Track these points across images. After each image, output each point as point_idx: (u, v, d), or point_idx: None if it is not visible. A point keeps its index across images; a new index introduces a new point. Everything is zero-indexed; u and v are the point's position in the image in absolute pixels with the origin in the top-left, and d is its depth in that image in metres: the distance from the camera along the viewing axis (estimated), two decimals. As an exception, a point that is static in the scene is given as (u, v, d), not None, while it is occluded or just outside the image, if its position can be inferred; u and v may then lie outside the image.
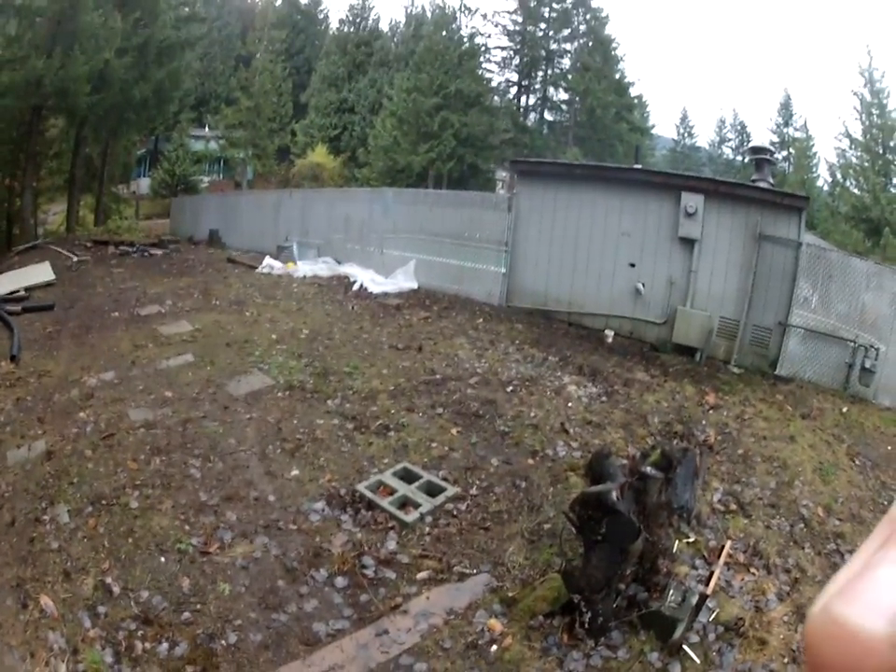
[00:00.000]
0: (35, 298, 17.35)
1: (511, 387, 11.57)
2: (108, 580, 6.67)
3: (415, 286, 18.57)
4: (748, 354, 13.29)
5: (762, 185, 14.86)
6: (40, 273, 19.58)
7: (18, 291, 17.64)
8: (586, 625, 5.67)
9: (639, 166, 18.92)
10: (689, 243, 13.61)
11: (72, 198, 32.98)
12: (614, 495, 5.59)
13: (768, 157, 17.29)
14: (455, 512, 7.93)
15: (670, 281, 13.97)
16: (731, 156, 58.26)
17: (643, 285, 14.31)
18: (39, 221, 33.54)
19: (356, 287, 18.99)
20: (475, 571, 6.87)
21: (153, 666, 5.68)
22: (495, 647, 5.85)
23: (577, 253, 15.35)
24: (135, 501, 8.01)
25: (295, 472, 8.81)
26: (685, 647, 5.66)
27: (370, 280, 19.06)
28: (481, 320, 15.66)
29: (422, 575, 6.83)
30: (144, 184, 50.44)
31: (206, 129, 54.78)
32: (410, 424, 10.14)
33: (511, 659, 5.69)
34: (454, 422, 10.26)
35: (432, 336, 14.38)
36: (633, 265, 14.47)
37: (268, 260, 22.03)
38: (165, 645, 5.89)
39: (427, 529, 7.60)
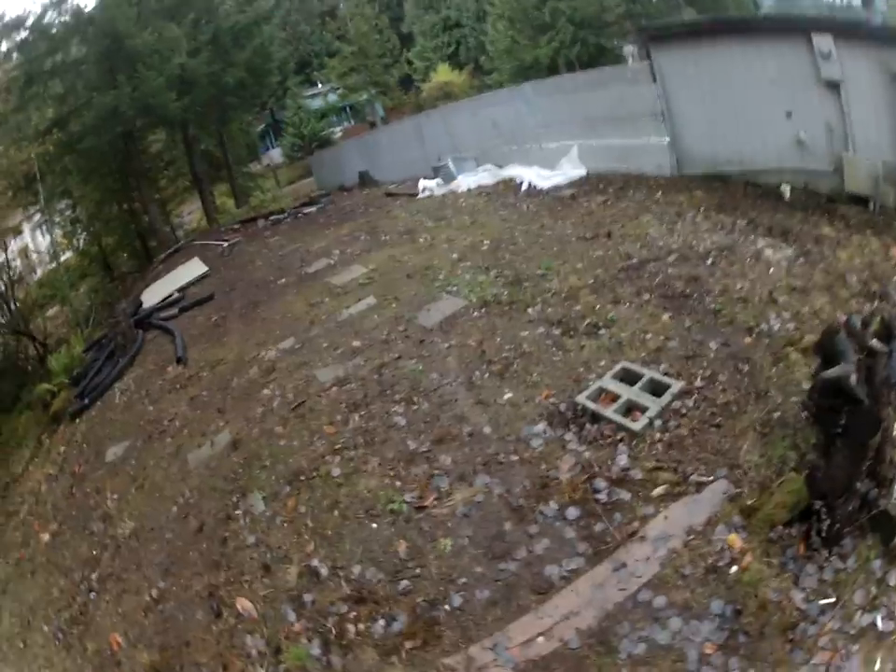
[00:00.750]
0: (191, 295, 17.49)
1: (710, 260, 10.68)
2: (314, 562, 6.51)
3: (584, 172, 17.70)
4: (914, 201, 12.37)
5: (873, 21, 14.09)
6: (191, 270, 19.82)
7: (171, 295, 17.88)
8: (823, 533, 5.26)
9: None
10: (834, 86, 12.64)
11: (203, 193, 34.21)
12: (853, 378, 5.00)
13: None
14: (683, 411, 7.23)
15: (828, 127, 12.95)
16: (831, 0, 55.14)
17: (804, 133, 13.34)
18: (176, 226, 35.54)
19: (524, 186, 18.23)
20: (711, 478, 6.25)
21: (366, 649, 5.49)
22: (734, 568, 5.35)
23: (734, 110, 14.47)
24: (337, 468, 7.75)
25: (508, 395, 8.21)
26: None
27: (536, 176, 18.25)
28: (659, 194, 14.65)
29: (658, 491, 6.26)
30: (276, 154, 53.79)
31: (319, 86, 57.22)
32: (618, 317, 9.37)
33: (749, 580, 5.20)
34: (662, 307, 9.45)
35: (617, 219, 13.42)
36: (789, 114, 13.55)
37: (424, 183, 21.72)
38: (381, 622, 5.68)
39: (658, 435, 6.94)
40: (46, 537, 9.22)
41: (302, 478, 7.76)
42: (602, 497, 6.31)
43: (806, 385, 6.68)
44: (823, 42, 12.37)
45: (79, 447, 11.39)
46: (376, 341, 10.66)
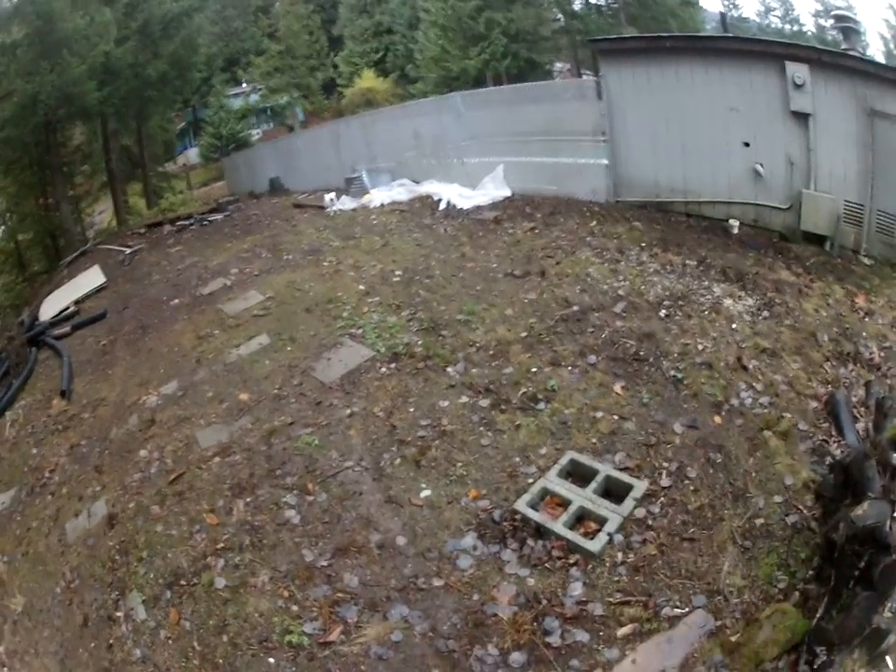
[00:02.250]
0: (86, 309, 15.67)
1: (663, 311, 9.31)
2: (208, 697, 5.24)
3: (508, 193, 16.02)
4: (875, 243, 11.66)
5: (855, 53, 13.05)
6: (89, 279, 18.02)
7: (67, 308, 16.03)
8: (815, 666, 4.47)
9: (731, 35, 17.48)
10: (802, 118, 11.84)
11: (115, 192, 32.68)
12: (888, 525, 4.44)
13: (853, 25, 15.06)
14: (649, 521, 5.92)
15: (789, 161, 12.16)
16: (779, 25, 57.43)
17: (761, 166, 12.52)
18: (88, 224, 33.63)
19: (442, 205, 16.59)
20: (686, 609, 5.11)
21: None
22: (717, 719, 4.52)
23: (684, 135, 13.49)
24: (221, 577, 6.12)
25: (426, 493, 6.60)
26: (888, 658, 4.31)
27: (457, 195, 16.64)
28: (594, 223, 13.21)
29: (623, 631, 5.02)
30: (193, 154, 51.51)
31: (243, 85, 55.27)
32: (560, 386, 7.83)
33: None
34: (613, 373, 8.02)
35: (550, 253, 11.81)
36: (747, 144, 12.69)
37: (329, 197, 20.27)
38: None
39: (620, 556, 5.61)
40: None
41: (183, 583, 6.19)
42: (554, 639, 5.01)
43: (789, 481, 6.00)
44: (798, 71, 11.60)
45: (-29, 483, 9.82)
46: (267, 395, 8.95)
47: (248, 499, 7.01)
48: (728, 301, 9.48)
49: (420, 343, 9.37)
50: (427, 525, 6.18)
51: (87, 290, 16.96)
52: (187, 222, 23.26)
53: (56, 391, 11.26)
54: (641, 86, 13.67)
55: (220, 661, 5.34)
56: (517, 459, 6.78)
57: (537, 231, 13.17)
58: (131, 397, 10.12)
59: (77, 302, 16.24)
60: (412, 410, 7.93)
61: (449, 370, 8.58)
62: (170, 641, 5.65)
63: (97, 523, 7.53)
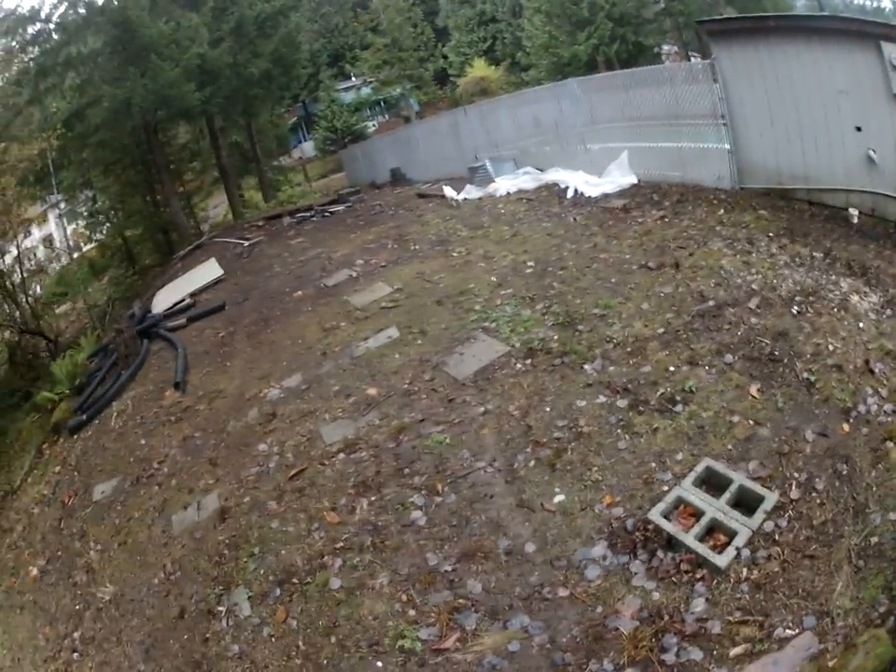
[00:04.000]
0: (203, 302, 15.83)
1: (795, 307, 8.71)
2: (307, 698, 5.32)
3: (634, 179, 15.32)
4: None
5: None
6: (206, 272, 18.21)
7: (182, 300, 16.24)
8: None
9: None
10: None
11: (228, 186, 33.39)
12: None
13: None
14: (776, 536, 5.61)
15: None
16: (861, 1, 57.84)
17: (874, 151, 11.69)
18: (202, 219, 34.85)
19: (569, 193, 16.00)
20: (797, 630, 4.87)
21: None
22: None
23: (799, 119, 12.75)
24: (337, 578, 6.08)
25: (559, 498, 6.29)
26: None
27: (583, 183, 16.06)
28: (722, 211, 12.60)
29: (736, 651, 4.81)
30: (308, 148, 53.52)
31: (352, 79, 56.93)
32: (698, 387, 7.42)
33: None
34: (748, 374, 7.55)
35: (682, 243, 11.26)
36: (859, 129, 11.93)
37: (449, 192, 19.82)
38: None
39: (745, 572, 5.34)
40: (34, 571, 8.42)
41: (295, 581, 6.16)
42: (669, 657, 4.82)
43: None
44: (894, 52, 10.88)
45: (71, 474, 10.10)
46: (396, 391, 8.72)
47: (373, 498, 6.90)
48: (855, 298, 8.94)
49: (556, 338, 9.02)
50: (557, 532, 5.93)
51: (203, 283, 17.19)
52: (307, 214, 23.41)
53: (168, 384, 11.39)
54: (753, 68, 13.16)
55: (324, 661, 5.35)
56: (653, 465, 6.48)
57: (666, 219, 12.66)
58: (250, 389, 10.11)
59: (192, 295, 16.45)
60: (548, 409, 7.62)
61: (586, 367, 8.22)
62: (273, 639, 5.70)
63: (207, 516, 7.58)
